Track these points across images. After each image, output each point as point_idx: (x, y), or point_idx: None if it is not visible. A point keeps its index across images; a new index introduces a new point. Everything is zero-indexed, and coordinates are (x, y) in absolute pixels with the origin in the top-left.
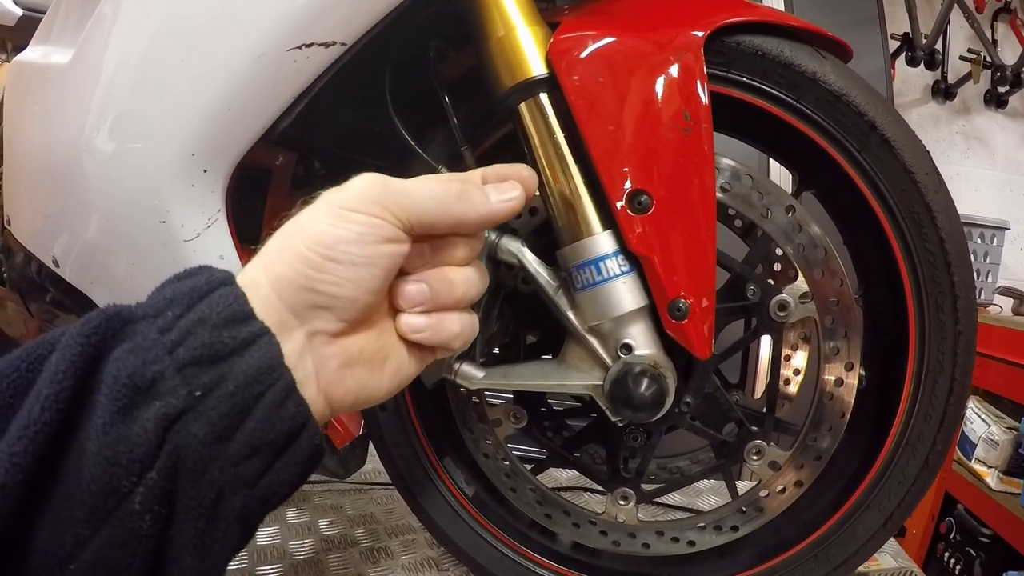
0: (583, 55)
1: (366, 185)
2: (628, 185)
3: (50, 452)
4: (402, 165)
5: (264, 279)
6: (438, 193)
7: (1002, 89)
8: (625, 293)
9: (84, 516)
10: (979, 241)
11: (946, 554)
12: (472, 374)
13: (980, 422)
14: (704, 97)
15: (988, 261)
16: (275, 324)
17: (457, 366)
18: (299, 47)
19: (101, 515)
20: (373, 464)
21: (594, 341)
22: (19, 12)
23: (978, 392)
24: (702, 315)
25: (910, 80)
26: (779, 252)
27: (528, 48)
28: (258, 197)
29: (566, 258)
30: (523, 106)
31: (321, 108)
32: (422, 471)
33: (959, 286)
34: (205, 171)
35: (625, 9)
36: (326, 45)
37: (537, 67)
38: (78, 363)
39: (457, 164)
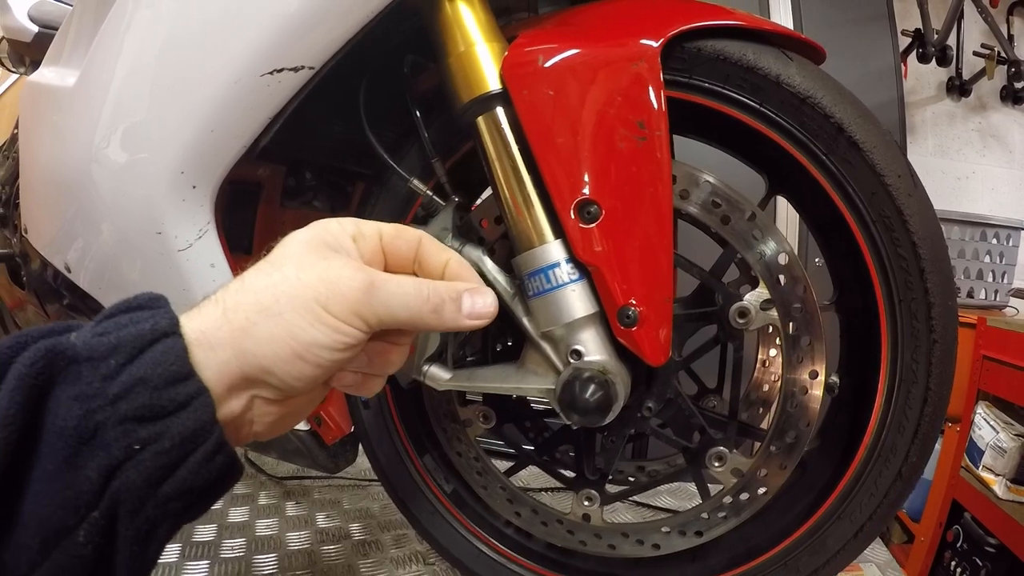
0: (534, 69)
1: (352, 290)
2: (577, 195)
3: (2, 489)
4: (380, 177)
5: (230, 346)
6: (414, 306)
7: (1018, 85)
8: (575, 300)
9: (37, 546)
10: (994, 242)
11: (953, 563)
12: (439, 376)
13: (988, 428)
14: (659, 106)
15: (1004, 262)
16: (225, 385)
17: (426, 368)
18: (271, 72)
19: (51, 545)
20: None
21: (547, 347)
22: (35, 29)
23: (988, 398)
24: (655, 322)
25: (924, 77)
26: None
27: (485, 64)
28: (250, 208)
29: (519, 266)
30: (480, 120)
31: (307, 122)
32: (403, 468)
33: (934, 293)
34: (194, 187)
35: (585, 19)
36: (295, 70)
37: (492, 82)
38: (26, 405)
39: (428, 176)
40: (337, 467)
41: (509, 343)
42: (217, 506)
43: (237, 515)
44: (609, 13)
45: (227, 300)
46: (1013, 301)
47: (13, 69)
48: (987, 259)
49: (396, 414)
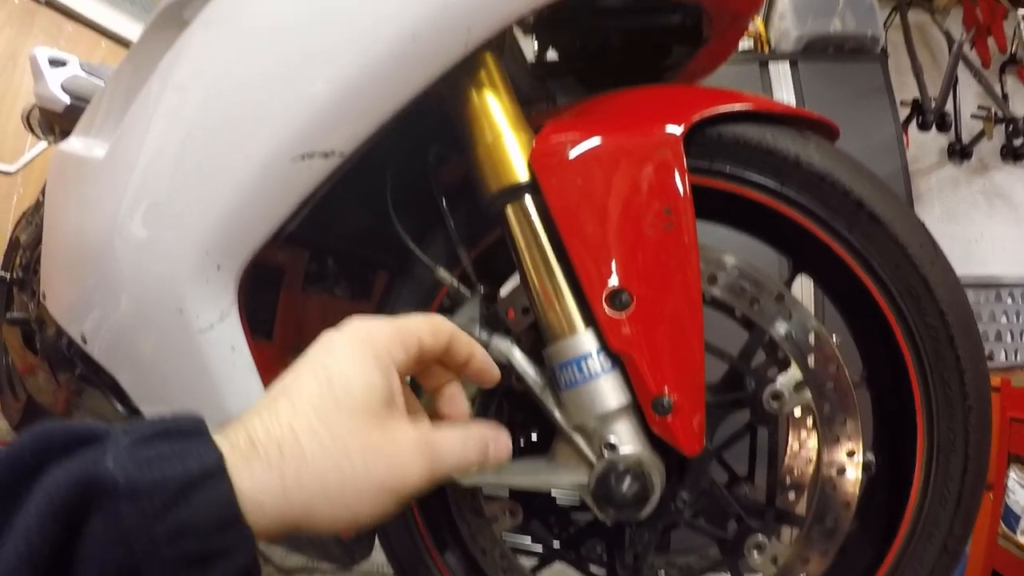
0: (562, 159)
1: (418, 478)
2: (608, 284)
3: None
4: (404, 265)
5: (284, 516)
6: (460, 463)
7: (1017, 142)
8: (608, 391)
9: None
10: (1009, 301)
11: None
12: None
13: (1023, 492)
14: (684, 192)
15: (1021, 321)
16: (266, 533)
17: None
18: (301, 157)
19: None
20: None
21: (579, 439)
22: (67, 100)
23: (1020, 460)
24: (689, 410)
25: (925, 145)
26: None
27: (513, 154)
28: (271, 292)
29: (550, 357)
30: (508, 209)
31: (331, 208)
32: (423, 565)
33: (965, 359)
34: (218, 268)
35: (607, 108)
36: (326, 155)
37: (520, 172)
38: (57, 541)
39: (453, 265)
40: (352, 561)
41: (533, 435)
42: None
43: None
44: (630, 101)
45: (285, 470)
46: None
47: (42, 136)
48: (1004, 319)
49: (417, 507)
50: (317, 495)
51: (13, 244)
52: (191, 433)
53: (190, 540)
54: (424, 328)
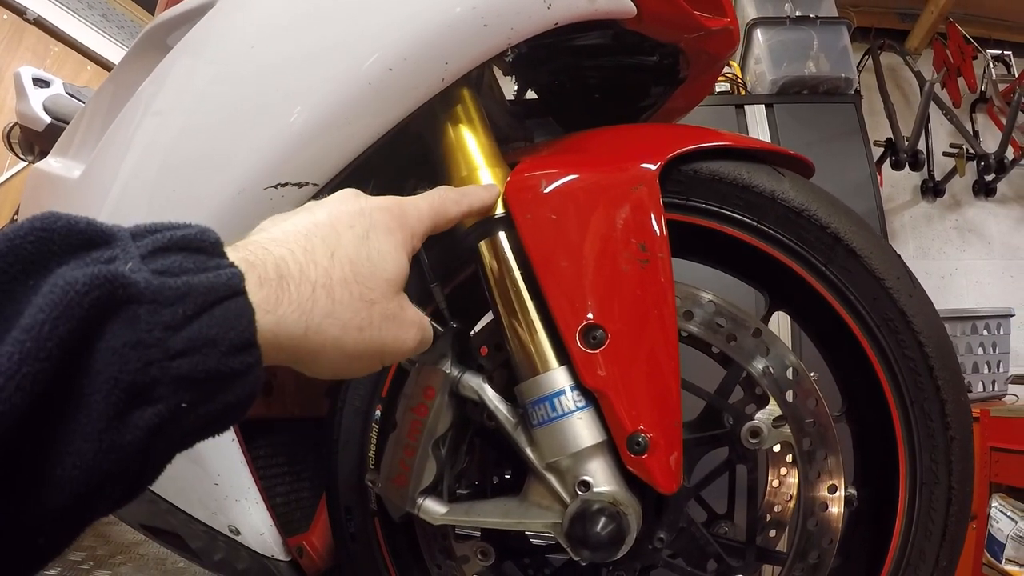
0: (537, 194)
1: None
2: (581, 320)
3: (22, 436)
4: None
5: (297, 350)
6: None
7: (988, 177)
8: (582, 429)
9: (59, 508)
10: (985, 333)
11: None
12: (435, 510)
13: (1007, 520)
14: (660, 228)
15: (997, 351)
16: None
17: (421, 501)
18: (275, 186)
19: (79, 512)
20: None
21: (552, 478)
22: (48, 120)
23: (1001, 489)
24: (666, 448)
25: (899, 183)
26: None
27: None
28: None
29: (523, 394)
30: (482, 244)
31: None
32: None
33: (945, 389)
34: None
35: (584, 145)
36: (299, 185)
37: (495, 207)
38: (68, 341)
39: (426, 301)
40: None
41: (507, 475)
42: None
43: None
44: (607, 139)
45: (314, 313)
46: (1012, 388)
47: (22, 156)
48: (980, 351)
49: (386, 548)
50: (331, 343)
51: None
52: (209, 249)
53: (207, 356)
54: (436, 223)
